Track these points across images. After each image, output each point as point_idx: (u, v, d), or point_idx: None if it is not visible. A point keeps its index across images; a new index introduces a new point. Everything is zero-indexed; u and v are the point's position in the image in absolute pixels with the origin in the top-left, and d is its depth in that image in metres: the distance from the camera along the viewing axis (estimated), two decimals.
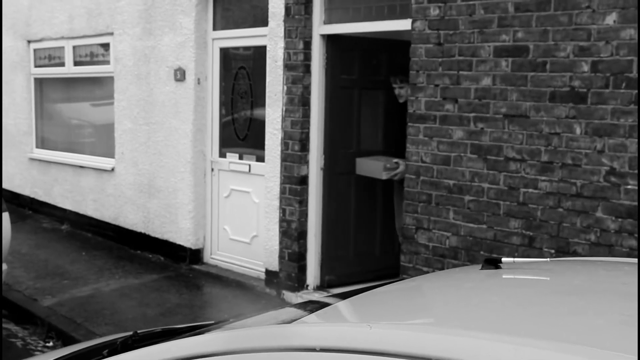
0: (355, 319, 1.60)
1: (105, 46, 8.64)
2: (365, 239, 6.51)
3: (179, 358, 1.58)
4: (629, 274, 1.94)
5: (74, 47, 9.20)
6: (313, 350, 1.30)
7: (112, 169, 8.51)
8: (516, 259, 1.89)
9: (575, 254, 4.56)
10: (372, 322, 1.46)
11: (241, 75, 7.18)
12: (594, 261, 2.47)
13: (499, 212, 4.91)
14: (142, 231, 8.13)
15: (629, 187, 4.35)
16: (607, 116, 4.43)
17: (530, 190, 4.77)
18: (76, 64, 9.27)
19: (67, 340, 5.50)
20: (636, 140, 4.31)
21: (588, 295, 1.64)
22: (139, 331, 2.54)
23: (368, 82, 6.31)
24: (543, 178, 4.70)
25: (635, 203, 4.32)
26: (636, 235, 4.32)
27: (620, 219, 4.39)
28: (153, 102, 7.77)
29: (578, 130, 4.55)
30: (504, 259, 1.88)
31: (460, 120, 5.07)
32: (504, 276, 1.80)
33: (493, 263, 1.92)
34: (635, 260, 2.21)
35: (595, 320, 1.41)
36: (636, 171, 4.32)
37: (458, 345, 1.23)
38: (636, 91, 4.28)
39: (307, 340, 1.34)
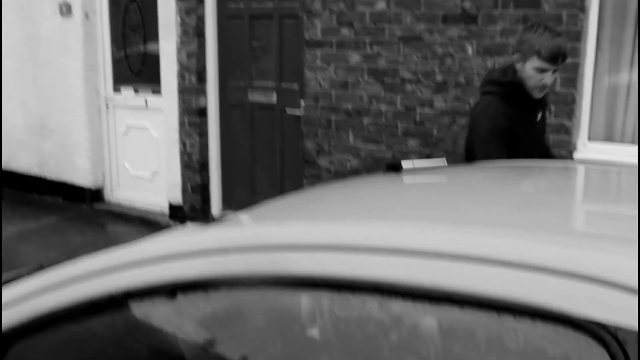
0: (263, 222, 1.64)
1: None
2: (266, 168, 6.50)
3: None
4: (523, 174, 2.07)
5: None
6: (226, 251, 1.33)
7: None
8: (415, 161, 1.97)
9: None
10: (280, 221, 1.51)
11: (132, 8, 6.94)
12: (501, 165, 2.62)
13: (397, 132, 5.04)
14: (38, 174, 7.86)
15: None
16: (497, 36, 4.59)
17: (426, 110, 4.91)
18: None
19: None
20: None
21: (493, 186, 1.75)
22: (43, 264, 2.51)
23: (258, 10, 6.08)
24: (438, 97, 4.85)
25: None
26: None
27: None
28: (39, 40, 7.42)
29: (470, 51, 4.69)
30: (404, 162, 1.96)
31: (357, 44, 5.12)
32: (405, 178, 1.89)
33: (394, 168, 1.99)
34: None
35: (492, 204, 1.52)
36: None
37: (357, 231, 1.30)
38: (524, 11, 4.44)
39: (219, 243, 1.38)
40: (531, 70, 3.09)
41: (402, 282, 1.14)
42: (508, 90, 3.14)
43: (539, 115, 3.33)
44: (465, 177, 1.94)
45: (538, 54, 3.05)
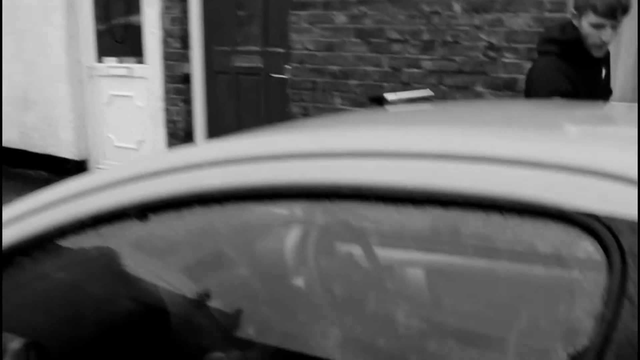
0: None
1: None
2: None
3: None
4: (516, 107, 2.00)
5: None
6: (199, 166, 1.26)
7: None
8: (399, 93, 1.91)
9: None
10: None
11: None
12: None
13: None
14: (20, 147, 7.74)
15: (506, 60, 4.48)
16: None
17: (413, 70, 4.83)
18: None
19: None
20: (512, 14, 4.42)
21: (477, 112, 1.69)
22: None
23: None
24: (425, 57, 4.77)
25: (512, 75, 4.46)
26: None
27: (498, 92, 4.54)
28: (18, 8, 7.27)
29: (457, 8, 4.61)
30: (387, 95, 1.89)
31: (342, 4, 5.03)
32: (390, 108, 1.83)
33: (378, 101, 1.93)
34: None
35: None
36: (513, 45, 4.45)
37: (335, 135, 1.25)
38: None
39: (191, 159, 1.31)
40: (588, 27, 2.86)
41: (384, 185, 1.07)
42: (568, 48, 2.92)
43: (604, 73, 3.09)
44: (457, 105, 1.88)
45: (593, 8, 2.82)
